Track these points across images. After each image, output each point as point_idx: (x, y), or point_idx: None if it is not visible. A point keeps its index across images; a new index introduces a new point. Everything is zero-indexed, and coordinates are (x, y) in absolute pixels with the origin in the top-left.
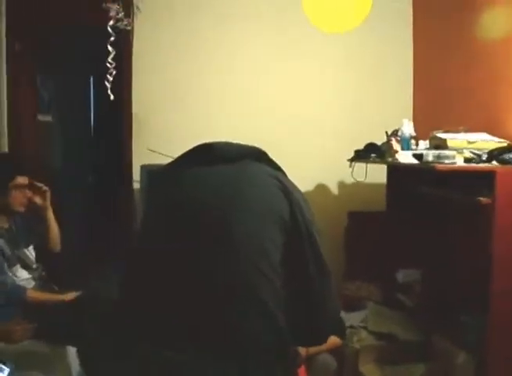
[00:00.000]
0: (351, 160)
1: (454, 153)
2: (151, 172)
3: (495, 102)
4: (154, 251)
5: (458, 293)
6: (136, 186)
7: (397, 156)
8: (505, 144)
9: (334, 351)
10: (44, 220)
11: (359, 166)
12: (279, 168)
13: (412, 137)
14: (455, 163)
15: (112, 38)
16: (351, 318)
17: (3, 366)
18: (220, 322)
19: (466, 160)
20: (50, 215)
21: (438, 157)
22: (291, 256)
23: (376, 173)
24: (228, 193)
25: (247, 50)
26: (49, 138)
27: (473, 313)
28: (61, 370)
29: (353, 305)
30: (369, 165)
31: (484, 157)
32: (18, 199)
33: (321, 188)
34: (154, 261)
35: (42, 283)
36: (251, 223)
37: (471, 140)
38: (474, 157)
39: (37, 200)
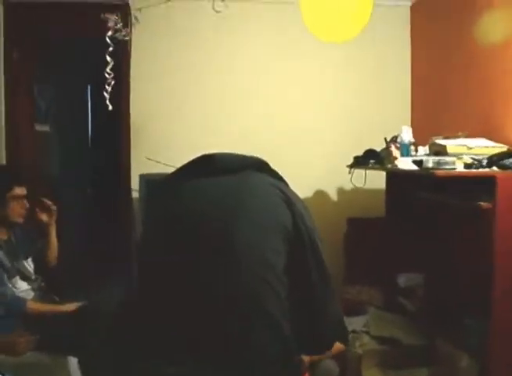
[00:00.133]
0: (351, 166)
1: (454, 159)
2: (150, 181)
3: (493, 107)
4: (154, 263)
5: (460, 297)
6: (135, 195)
7: (396, 162)
8: (504, 149)
9: (337, 356)
10: (45, 235)
11: (358, 172)
12: (280, 178)
13: (411, 143)
14: (455, 169)
15: (110, 48)
16: (353, 323)
17: None
18: (220, 333)
19: (467, 165)
20: (53, 231)
21: (438, 163)
22: (294, 265)
23: (375, 179)
24: (229, 203)
25: (245, 58)
26: (47, 148)
27: (475, 317)
28: None
29: (354, 310)
30: (368, 171)
31: (485, 163)
32: (16, 210)
33: (320, 194)
34: (154, 273)
35: (42, 294)
36: (253, 234)
37: (471, 146)
38: (474, 162)
39: (44, 217)
